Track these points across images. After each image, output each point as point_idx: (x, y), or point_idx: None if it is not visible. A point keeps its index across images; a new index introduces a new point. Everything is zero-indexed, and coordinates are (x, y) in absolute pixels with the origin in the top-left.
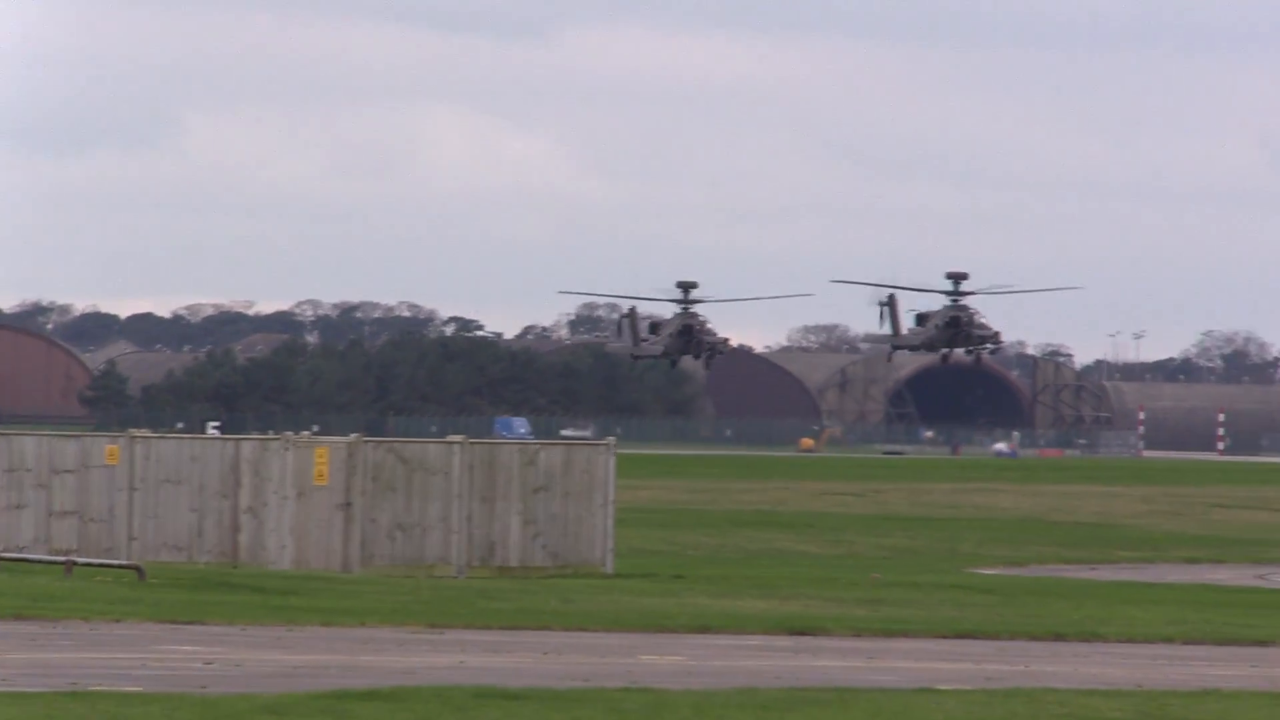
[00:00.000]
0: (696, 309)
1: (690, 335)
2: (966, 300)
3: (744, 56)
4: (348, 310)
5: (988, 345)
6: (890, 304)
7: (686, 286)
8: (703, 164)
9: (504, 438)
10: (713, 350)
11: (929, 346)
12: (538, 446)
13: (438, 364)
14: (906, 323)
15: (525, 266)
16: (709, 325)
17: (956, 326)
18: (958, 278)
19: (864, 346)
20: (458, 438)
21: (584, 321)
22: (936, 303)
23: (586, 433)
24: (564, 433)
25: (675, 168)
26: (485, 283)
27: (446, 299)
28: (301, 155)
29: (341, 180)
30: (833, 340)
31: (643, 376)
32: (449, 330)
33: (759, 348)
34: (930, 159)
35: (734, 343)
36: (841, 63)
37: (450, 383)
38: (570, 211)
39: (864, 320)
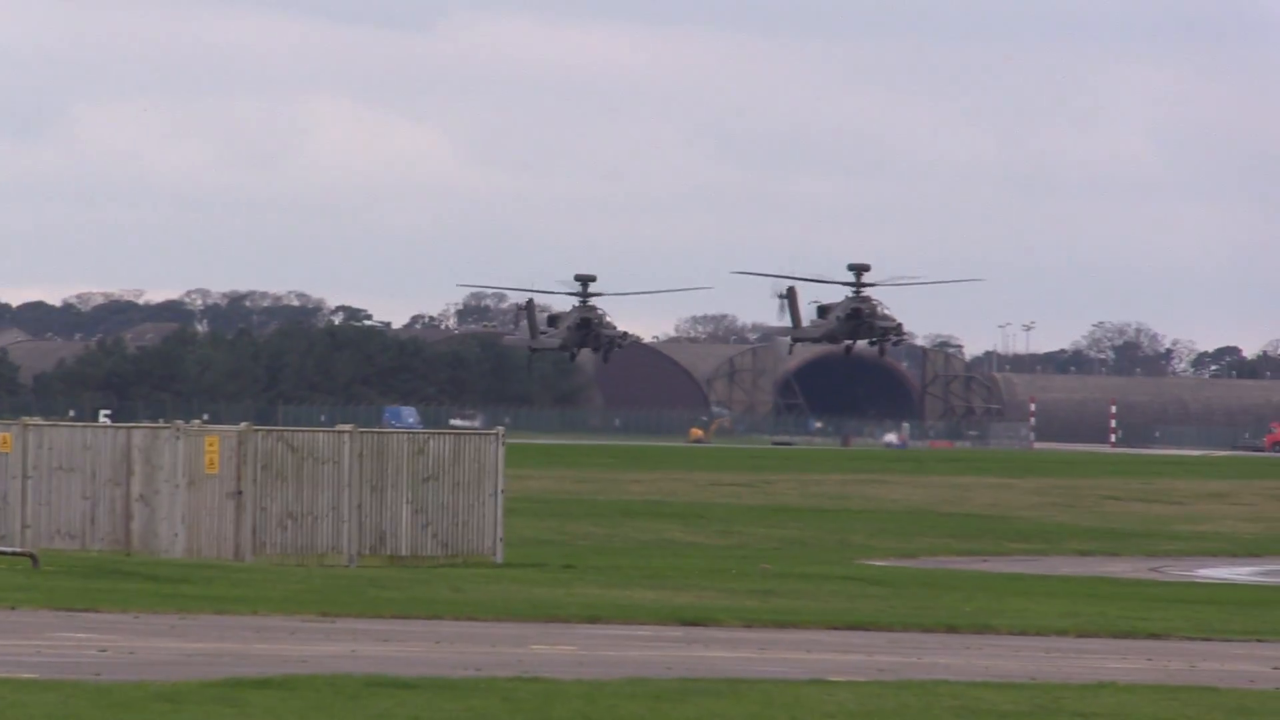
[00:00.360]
0: (594, 302)
1: (589, 328)
2: (868, 291)
3: (628, 47)
4: (237, 299)
5: (891, 337)
6: (790, 296)
7: (585, 280)
8: (588, 155)
9: (393, 427)
10: (611, 343)
11: (830, 338)
12: (427, 436)
13: (326, 353)
14: (809, 314)
15: (413, 256)
16: (608, 318)
17: (859, 318)
18: (860, 269)
19: (752, 337)
20: (347, 427)
21: (472, 311)
22: (838, 294)
23: (475, 422)
24: (453, 422)
25: (561, 158)
26: (373, 273)
27: (335, 288)
28: (189, 144)
29: (229, 170)
30: (721, 330)
31: (531, 366)
32: (337, 319)
33: (648, 337)
34: (817, 150)
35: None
36: (728, 53)
37: (339, 372)
38: (456, 202)
39: (753, 311)
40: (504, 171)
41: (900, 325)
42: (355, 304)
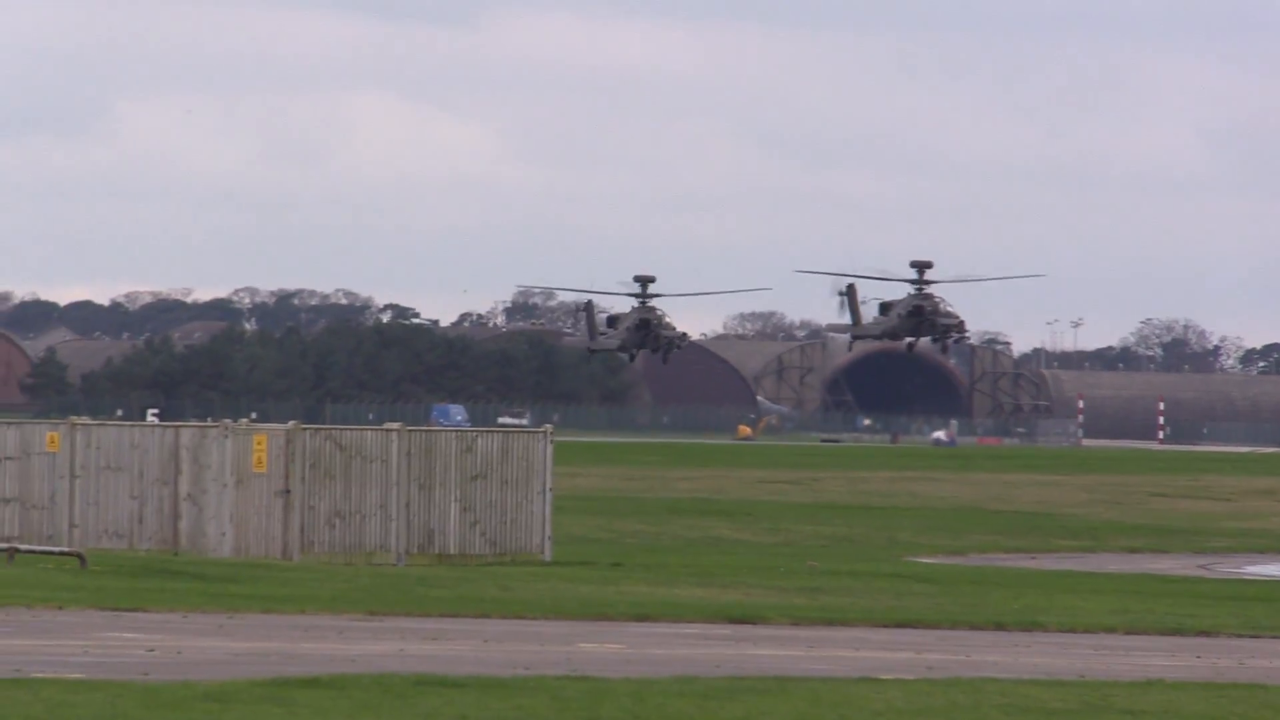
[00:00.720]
0: (653, 303)
1: (648, 329)
2: (930, 289)
3: (672, 43)
4: (285, 298)
5: (953, 334)
6: (850, 293)
7: (644, 280)
8: (635, 151)
9: (441, 425)
10: (670, 344)
11: (892, 335)
12: (475, 434)
13: (374, 351)
14: (870, 312)
15: (460, 254)
16: (666, 319)
17: (921, 315)
18: (922, 266)
19: (801, 334)
20: (395, 425)
21: (520, 309)
22: (898, 291)
23: (523, 420)
24: (501, 420)
25: (607, 155)
26: (420, 270)
27: (382, 286)
28: (234, 142)
29: (274, 167)
30: (769, 328)
31: (579, 364)
32: (385, 317)
33: (696, 335)
34: (867, 147)
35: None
36: (776, 50)
37: (387, 370)
38: (502, 199)
39: (802, 308)
40: (548, 168)
41: (962, 322)
42: (403, 302)
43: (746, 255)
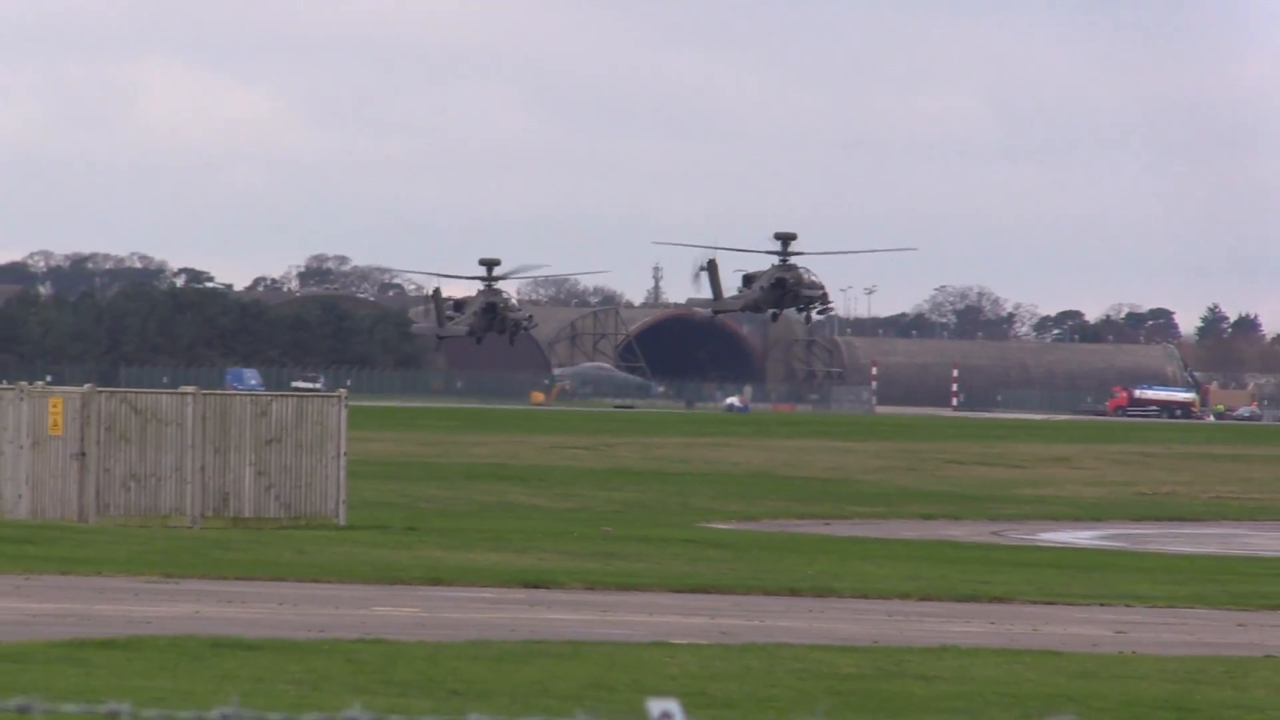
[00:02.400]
0: (499, 285)
1: (495, 313)
2: (793, 260)
3: (461, 7)
4: (80, 261)
5: (817, 305)
6: (711, 268)
7: (489, 264)
8: (423, 116)
9: (236, 389)
10: (516, 326)
11: (754, 308)
12: (270, 398)
13: (169, 315)
14: (732, 285)
15: (253, 218)
16: (512, 302)
17: (783, 287)
18: (786, 238)
19: (594, 300)
20: (190, 389)
21: (314, 274)
22: (761, 263)
23: (318, 385)
24: (295, 384)
25: (392, 120)
26: (214, 235)
27: (177, 250)
28: (24, 105)
29: (66, 131)
30: (562, 294)
31: (372, 329)
32: (180, 281)
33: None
34: (657, 112)
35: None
36: (562, 12)
37: (181, 334)
38: (291, 164)
39: (593, 274)
40: (335, 133)
41: (826, 293)
42: (198, 266)
43: (538, 221)
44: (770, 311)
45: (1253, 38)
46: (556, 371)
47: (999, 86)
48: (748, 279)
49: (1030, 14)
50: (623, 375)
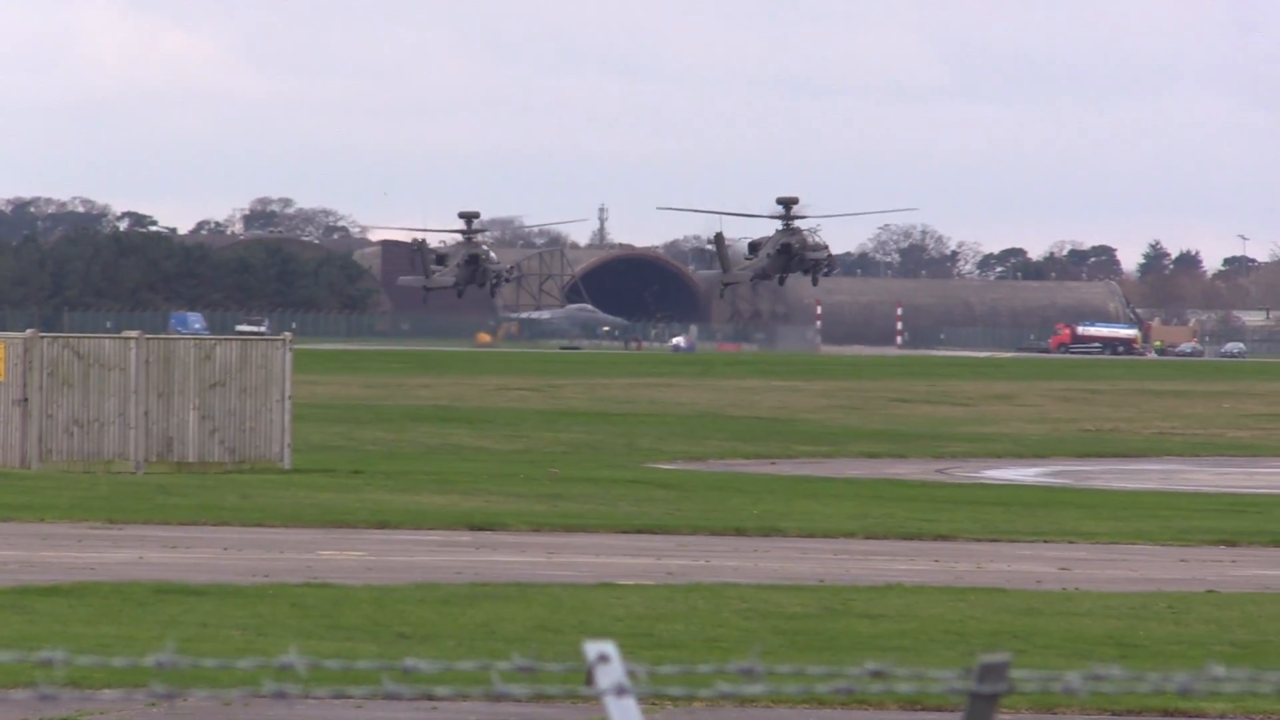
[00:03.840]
0: (480, 238)
1: (477, 264)
2: (796, 224)
3: None
4: (21, 206)
5: (823, 267)
6: (718, 242)
7: (469, 217)
8: (363, 58)
9: (180, 333)
10: (498, 278)
11: (762, 275)
12: (214, 342)
13: (112, 259)
14: (739, 253)
15: (194, 161)
16: (491, 254)
17: (789, 253)
18: (789, 203)
19: (539, 241)
20: (133, 333)
21: (258, 217)
22: (764, 228)
23: (262, 328)
24: (239, 328)
25: (331, 63)
26: (157, 178)
27: (120, 194)
28: None
29: (2, 73)
30: (508, 235)
31: (317, 272)
32: (123, 225)
33: (434, 242)
34: (585, 51)
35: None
36: None
37: (125, 278)
38: (231, 106)
39: (542, 212)
40: (272, 75)
41: (831, 255)
42: (141, 210)
43: (481, 161)
44: (778, 277)
45: None
46: (540, 313)
47: (931, 23)
48: (753, 246)
49: None
50: (606, 315)
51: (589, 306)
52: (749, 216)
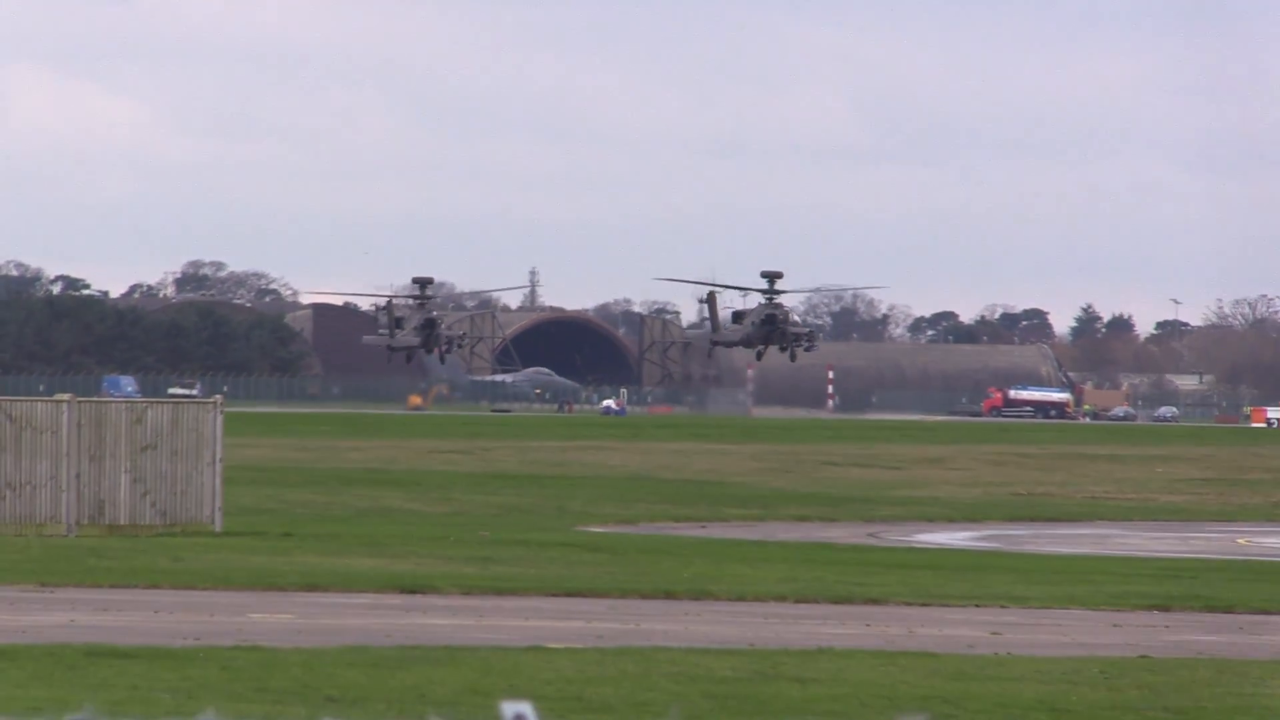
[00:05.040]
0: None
1: (434, 328)
2: (780, 299)
3: (324, 13)
4: None
5: (803, 343)
6: (710, 300)
7: (423, 282)
8: (291, 122)
9: (112, 396)
10: (450, 343)
11: (747, 343)
12: (146, 405)
13: (45, 323)
14: (724, 319)
15: (126, 225)
16: (443, 324)
17: (773, 324)
18: (773, 276)
19: (470, 304)
20: (65, 396)
21: (190, 280)
22: (746, 299)
23: (194, 391)
24: (171, 391)
25: (261, 127)
26: (89, 242)
27: (53, 257)
28: None
29: None
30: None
31: (249, 335)
32: (56, 289)
33: (366, 305)
34: (512, 113)
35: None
36: (423, 19)
37: (58, 341)
38: (162, 171)
39: (469, 279)
40: (204, 139)
41: (812, 332)
42: (74, 274)
43: (409, 226)
44: (757, 349)
45: (1114, 35)
46: (501, 377)
47: (862, 88)
48: (737, 315)
49: (885, 16)
50: (561, 380)
51: (546, 370)
52: (736, 288)
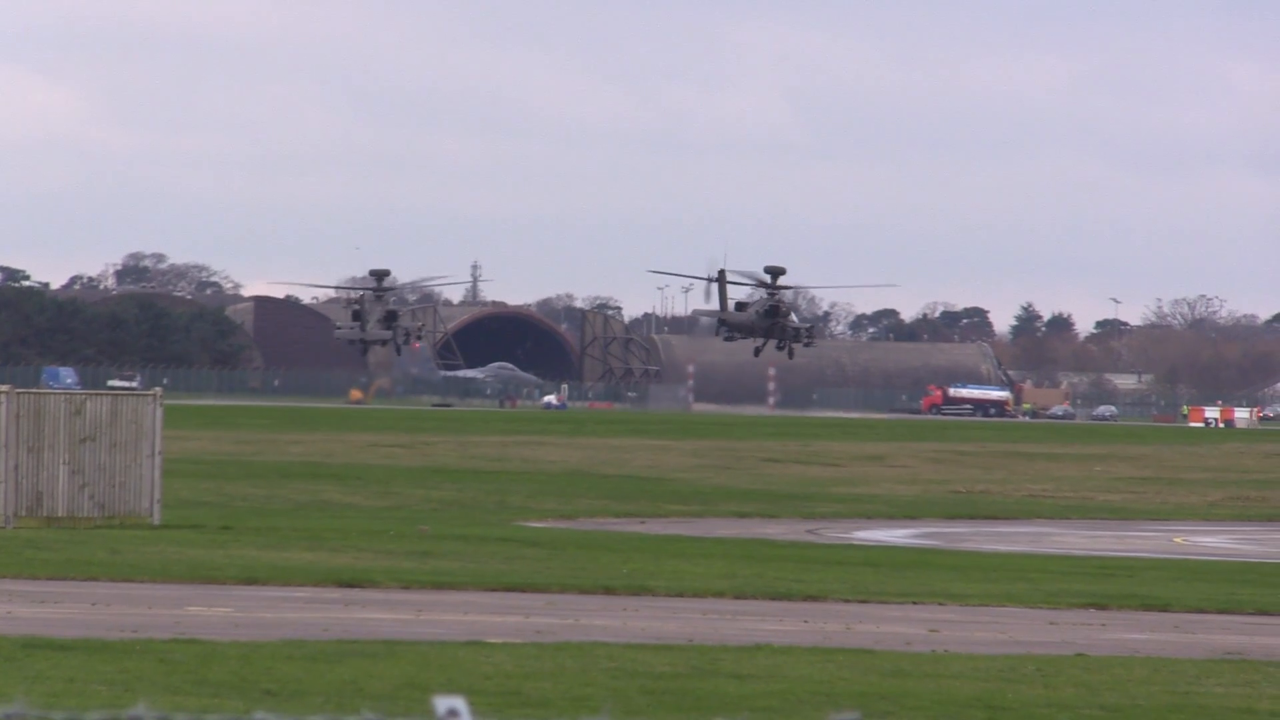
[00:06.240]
0: (392, 295)
1: (395, 320)
2: (781, 294)
3: (265, 4)
4: None
5: (803, 338)
6: (721, 280)
7: (380, 274)
8: (225, 114)
9: (51, 388)
10: (408, 335)
11: (750, 330)
12: (85, 396)
13: None
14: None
15: (65, 216)
16: (401, 314)
17: (775, 315)
18: (775, 272)
19: (412, 298)
20: (4, 387)
21: (131, 272)
22: (738, 293)
23: (134, 383)
24: (111, 383)
25: (198, 117)
26: (29, 232)
27: None
28: None
29: None
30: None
31: (189, 327)
32: None
33: (307, 298)
34: (457, 108)
35: (281, 295)
36: (364, 9)
37: None
38: (98, 161)
39: (413, 269)
40: (140, 129)
41: (812, 328)
42: (13, 264)
43: (347, 217)
44: (756, 345)
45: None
46: (475, 374)
47: (799, 86)
48: (740, 305)
49: (821, 11)
50: (525, 375)
51: (509, 365)
52: (737, 284)
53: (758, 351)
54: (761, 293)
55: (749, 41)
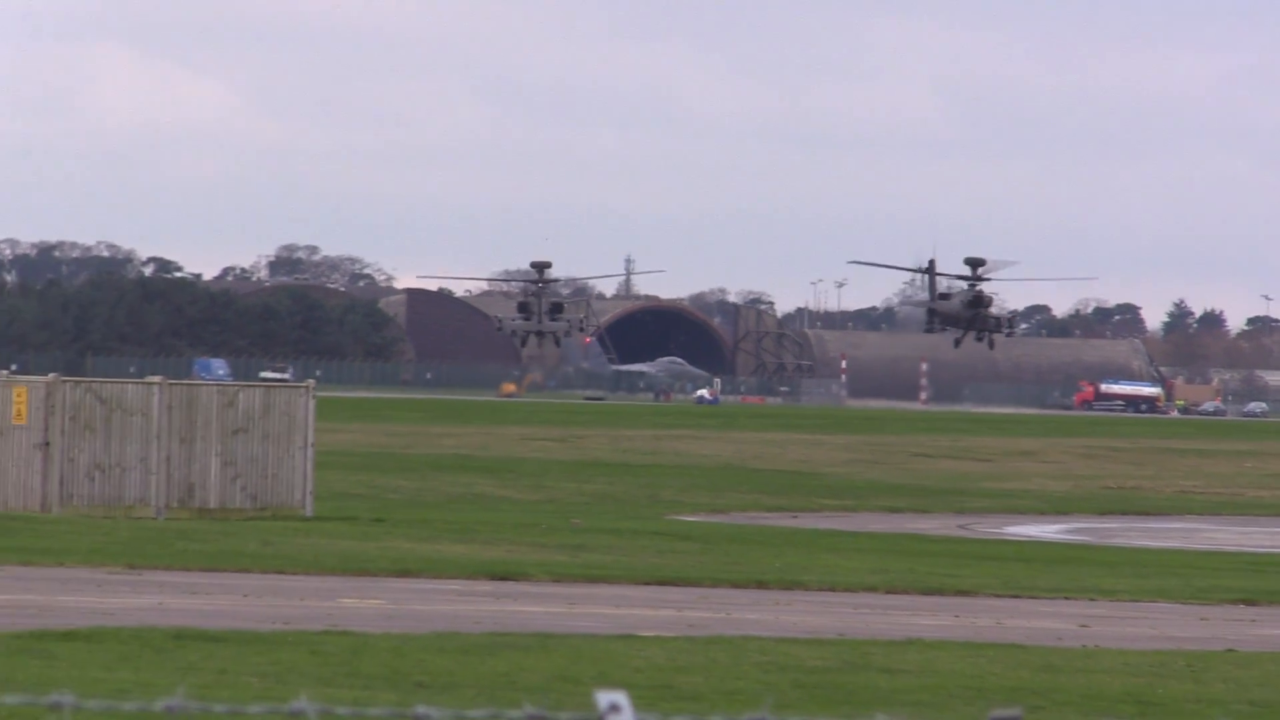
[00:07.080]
0: (552, 286)
1: (560, 312)
2: (981, 285)
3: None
4: (46, 250)
5: (1005, 328)
6: (931, 270)
7: (541, 266)
8: (386, 108)
9: (203, 379)
10: (569, 327)
11: (954, 320)
12: (237, 388)
13: (137, 304)
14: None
15: (216, 207)
16: (564, 303)
17: (979, 304)
18: (975, 263)
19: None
20: (156, 378)
21: (284, 264)
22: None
23: (286, 375)
24: (263, 374)
25: (348, 110)
26: (180, 223)
27: (145, 239)
28: None
29: (20, 118)
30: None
31: (342, 319)
32: (148, 270)
33: (459, 291)
34: (609, 104)
35: (434, 287)
36: (518, 7)
37: (149, 323)
38: (248, 153)
39: (567, 265)
40: (289, 122)
41: (1013, 318)
42: (166, 255)
43: (499, 214)
44: (957, 336)
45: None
46: (645, 368)
47: (943, 78)
48: (943, 295)
49: (974, 6)
50: (695, 369)
51: (679, 360)
52: (932, 274)
53: (958, 343)
54: (961, 285)
55: (890, 40)
